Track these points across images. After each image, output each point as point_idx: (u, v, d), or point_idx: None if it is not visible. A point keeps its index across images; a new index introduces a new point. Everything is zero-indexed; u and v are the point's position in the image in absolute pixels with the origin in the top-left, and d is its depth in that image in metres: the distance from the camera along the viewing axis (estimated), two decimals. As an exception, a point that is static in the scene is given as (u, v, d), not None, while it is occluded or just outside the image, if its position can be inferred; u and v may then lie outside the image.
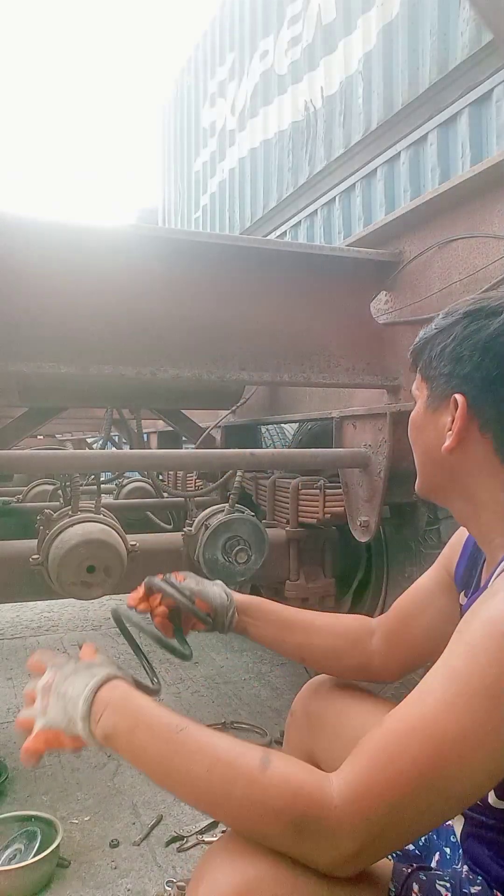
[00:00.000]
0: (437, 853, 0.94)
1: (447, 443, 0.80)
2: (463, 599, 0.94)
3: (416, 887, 0.79)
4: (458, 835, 0.91)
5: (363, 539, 1.93)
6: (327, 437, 2.14)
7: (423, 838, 0.95)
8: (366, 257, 1.85)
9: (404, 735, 0.68)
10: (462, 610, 0.92)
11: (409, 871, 0.81)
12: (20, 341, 1.54)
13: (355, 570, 2.37)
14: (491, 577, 0.77)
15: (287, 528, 2.25)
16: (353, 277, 1.86)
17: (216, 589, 1.09)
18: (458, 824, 0.93)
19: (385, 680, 1.09)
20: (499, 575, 0.75)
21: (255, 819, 0.70)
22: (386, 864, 0.82)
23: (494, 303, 0.80)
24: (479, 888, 0.82)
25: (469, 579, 0.93)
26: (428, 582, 1.02)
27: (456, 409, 0.79)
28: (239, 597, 1.10)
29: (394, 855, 0.95)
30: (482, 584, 0.83)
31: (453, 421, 0.79)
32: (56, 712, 0.86)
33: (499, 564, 0.77)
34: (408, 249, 1.82)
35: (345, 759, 1.05)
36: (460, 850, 0.91)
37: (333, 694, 1.15)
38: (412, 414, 0.87)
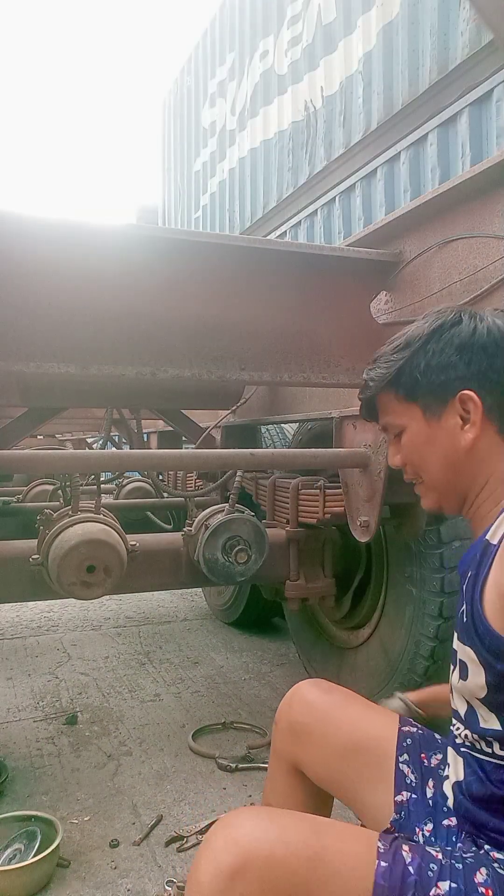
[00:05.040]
0: (418, 829, 0.95)
1: (469, 436, 0.90)
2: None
3: (406, 847, 0.82)
4: (452, 802, 0.93)
5: (363, 539, 1.93)
6: (327, 437, 2.14)
7: (402, 813, 0.97)
8: (366, 257, 1.84)
9: None
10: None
11: (396, 833, 0.84)
12: (20, 341, 1.54)
13: (355, 570, 2.37)
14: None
15: (287, 528, 2.25)
16: (353, 277, 1.86)
17: (395, 702, 1.24)
18: (448, 789, 0.94)
19: None
20: None
21: None
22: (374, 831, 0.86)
23: (450, 315, 0.94)
24: (472, 854, 0.83)
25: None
26: None
27: (463, 405, 0.90)
28: (413, 695, 1.25)
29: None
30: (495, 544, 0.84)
31: (463, 418, 0.90)
32: None
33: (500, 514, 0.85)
34: (408, 249, 1.82)
35: (331, 767, 1.07)
36: (446, 838, 0.92)
37: (317, 702, 1.12)
38: (408, 439, 0.96)
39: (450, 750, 0.94)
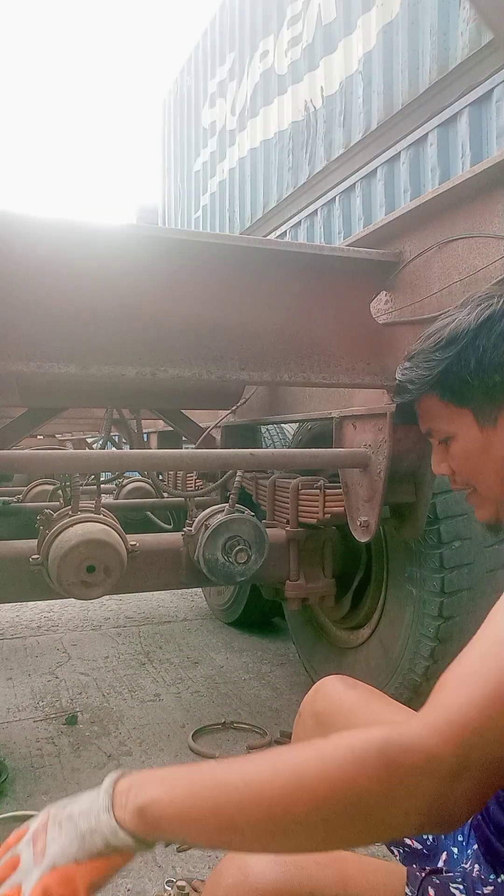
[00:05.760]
0: (445, 853, 0.94)
1: None
2: None
3: (431, 892, 0.81)
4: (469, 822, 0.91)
5: (363, 539, 1.93)
6: (327, 437, 2.14)
7: (430, 837, 0.95)
8: (366, 257, 1.84)
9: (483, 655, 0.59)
10: None
11: (423, 874, 0.82)
12: (20, 341, 1.54)
13: (355, 570, 2.37)
14: None
15: (287, 528, 2.25)
16: (353, 277, 1.86)
17: None
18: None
19: None
20: None
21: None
22: (399, 869, 0.84)
23: (499, 304, 0.83)
24: (492, 888, 0.83)
25: None
26: None
27: None
28: None
29: (401, 851, 0.96)
30: None
31: None
32: (60, 842, 0.63)
33: None
34: (408, 249, 1.82)
35: None
36: (468, 850, 0.92)
37: (341, 694, 1.15)
38: (459, 448, 0.86)
39: None
